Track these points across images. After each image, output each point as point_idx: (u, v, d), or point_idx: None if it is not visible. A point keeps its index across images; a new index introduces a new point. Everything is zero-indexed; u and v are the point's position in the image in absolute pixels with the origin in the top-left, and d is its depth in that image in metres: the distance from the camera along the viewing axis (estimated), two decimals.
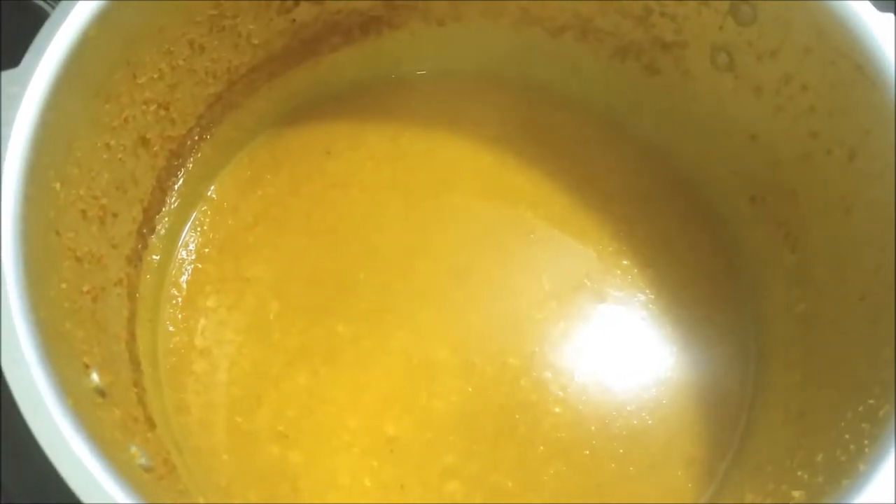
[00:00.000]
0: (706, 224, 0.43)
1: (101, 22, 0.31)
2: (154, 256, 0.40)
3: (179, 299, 0.41)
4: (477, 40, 0.45)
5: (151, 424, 0.34)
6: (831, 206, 0.35)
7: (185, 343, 0.40)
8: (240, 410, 0.39)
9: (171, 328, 0.40)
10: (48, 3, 0.42)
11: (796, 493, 0.30)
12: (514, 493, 0.38)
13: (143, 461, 0.29)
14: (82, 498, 0.23)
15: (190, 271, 0.42)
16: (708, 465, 0.38)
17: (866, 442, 0.28)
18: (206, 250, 0.42)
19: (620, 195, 0.44)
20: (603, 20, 0.42)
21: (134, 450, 0.29)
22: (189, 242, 0.42)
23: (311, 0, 0.40)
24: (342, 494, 0.37)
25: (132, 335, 0.36)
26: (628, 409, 0.39)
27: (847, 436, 0.29)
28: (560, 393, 0.39)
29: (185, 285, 0.42)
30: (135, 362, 0.35)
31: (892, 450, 0.27)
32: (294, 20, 0.41)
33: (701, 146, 0.43)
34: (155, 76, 0.35)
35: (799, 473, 0.31)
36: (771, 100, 0.38)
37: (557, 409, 0.39)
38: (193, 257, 0.42)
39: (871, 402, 0.29)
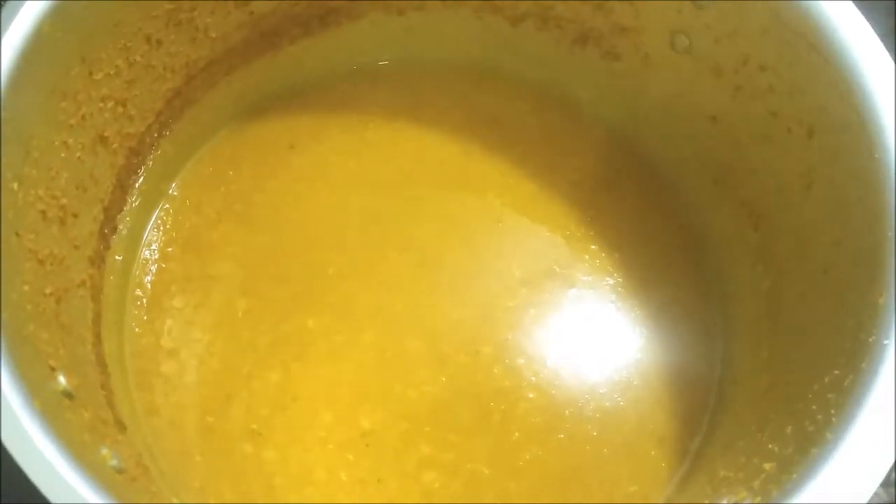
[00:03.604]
0: (671, 206, 0.44)
1: (54, 18, 0.30)
2: (117, 257, 0.39)
3: (144, 300, 0.40)
4: (438, 30, 0.45)
5: (121, 427, 0.34)
6: (792, 184, 0.36)
7: (152, 344, 0.39)
8: (211, 410, 0.38)
9: (137, 329, 0.40)
10: None
11: (767, 466, 0.30)
12: (491, 480, 0.38)
13: (114, 463, 0.28)
14: (52, 500, 0.22)
15: (154, 271, 0.41)
16: (680, 443, 0.39)
17: (833, 411, 0.29)
18: (170, 249, 0.42)
19: (586, 181, 0.44)
20: (562, 7, 0.42)
21: (105, 451, 0.28)
22: (152, 242, 0.42)
23: None
24: (318, 490, 0.37)
25: (98, 337, 0.35)
26: (601, 391, 0.40)
27: (814, 407, 0.30)
28: (533, 379, 0.40)
29: (149, 285, 0.41)
30: (101, 364, 0.35)
31: (858, 417, 0.27)
32: (252, 12, 0.40)
33: (663, 129, 0.44)
34: (112, 72, 0.35)
35: (770, 446, 0.31)
36: (730, 81, 0.38)
37: (531, 395, 0.39)
38: (157, 256, 0.41)
39: (837, 372, 0.30)
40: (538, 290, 0.42)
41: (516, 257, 0.43)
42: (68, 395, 0.29)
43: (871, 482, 0.26)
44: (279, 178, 0.43)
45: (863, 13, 0.33)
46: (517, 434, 0.39)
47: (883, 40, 0.32)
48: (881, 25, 0.34)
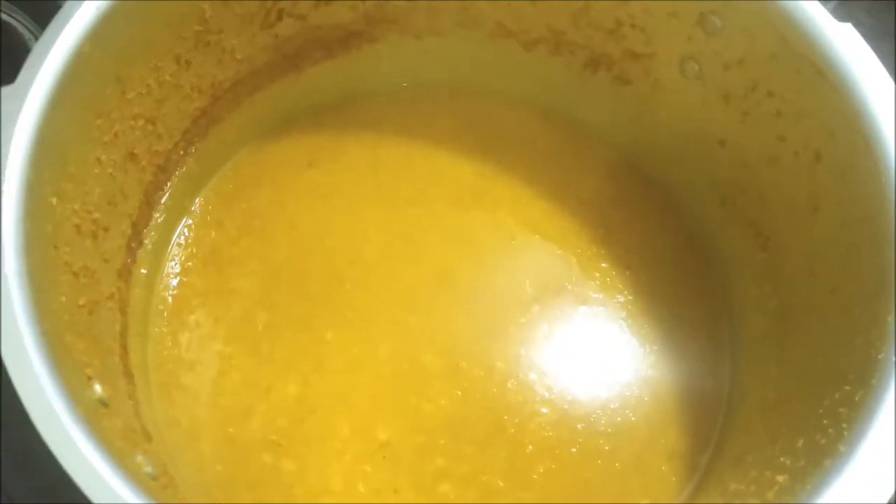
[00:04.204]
0: (680, 226, 0.45)
1: (93, 38, 0.31)
2: (142, 270, 0.40)
3: (167, 313, 0.41)
4: (453, 53, 0.46)
5: (148, 436, 0.34)
6: (799, 206, 0.37)
7: (174, 356, 0.40)
8: (231, 421, 0.39)
9: (159, 342, 0.40)
10: (13, 17, 0.43)
11: (780, 478, 0.31)
12: (505, 493, 0.38)
13: (149, 470, 0.29)
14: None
15: (176, 285, 0.42)
16: (691, 457, 0.40)
17: (844, 425, 0.29)
18: (191, 264, 0.43)
19: (596, 200, 0.46)
20: (575, 33, 0.44)
21: (140, 458, 0.29)
22: (175, 256, 0.42)
23: (293, 16, 0.41)
24: (336, 501, 0.38)
25: (125, 349, 0.36)
26: (612, 406, 0.41)
27: (825, 421, 0.31)
28: (546, 393, 0.40)
29: (171, 299, 0.42)
30: (128, 375, 0.36)
31: (870, 430, 0.28)
32: (277, 35, 0.41)
33: (672, 152, 0.45)
34: (143, 91, 0.36)
35: (781, 459, 0.32)
36: (739, 106, 0.39)
37: (544, 410, 0.40)
38: (178, 271, 0.42)
39: (847, 388, 0.31)
40: (550, 306, 0.43)
41: (528, 274, 0.44)
42: (104, 403, 0.30)
43: (886, 493, 0.26)
44: (298, 195, 0.44)
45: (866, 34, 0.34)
46: (531, 447, 0.39)
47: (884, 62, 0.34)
48: (882, 50, 0.35)
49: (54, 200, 0.30)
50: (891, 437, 0.28)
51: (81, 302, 0.32)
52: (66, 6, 0.31)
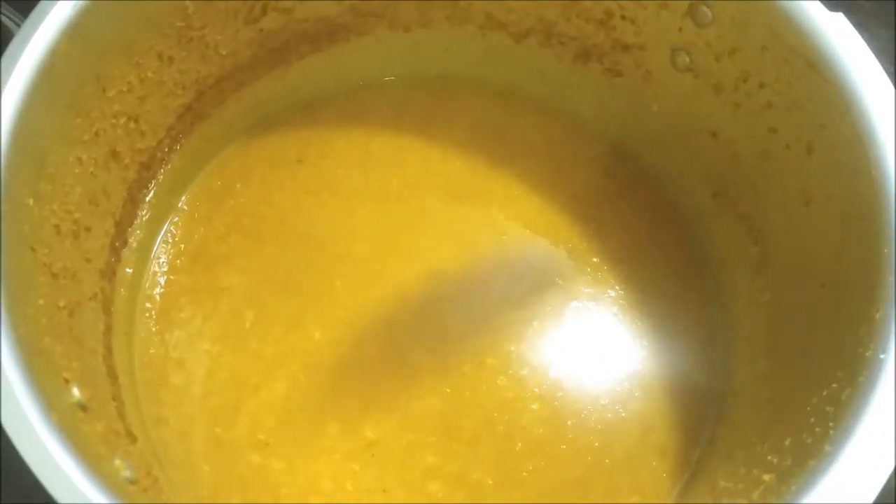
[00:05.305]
0: (671, 219, 0.45)
1: (70, 36, 0.31)
2: (127, 269, 0.39)
3: (153, 312, 0.41)
4: (443, 45, 0.45)
5: (132, 438, 0.34)
6: (791, 199, 0.37)
7: (161, 355, 0.40)
8: (219, 421, 0.39)
9: (146, 341, 0.40)
10: (12, 20, 0.42)
11: (767, 477, 0.31)
12: (494, 491, 0.38)
13: (127, 474, 0.29)
14: None
15: (163, 283, 0.42)
16: (681, 454, 0.39)
17: (831, 424, 0.29)
18: (179, 261, 0.42)
19: (588, 194, 0.45)
20: (565, 24, 0.43)
21: (118, 463, 0.29)
22: (161, 254, 0.42)
23: (277, 10, 0.41)
24: (324, 500, 0.38)
25: (108, 349, 0.36)
26: (603, 402, 0.40)
27: (812, 419, 0.30)
28: (536, 390, 0.40)
29: (158, 297, 0.41)
30: (112, 376, 0.35)
31: (856, 430, 0.28)
32: (261, 29, 0.41)
33: (663, 144, 0.44)
34: (124, 89, 0.35)
35: (769, 458, 0.32)
36: (730, 97, 0.39)
37: (534, 406, 0.40)
38: (166, 269, 0.42)
39: (835, 386, 0.30)
40: (541, 302, 0.42)
41: (519, 269, 0.43)
42: (82, 407, 0.29)
43: (869, 494, 0.26)
44: (287, 191, 0.44)
45: (861, 25, 0.33)
46: (520, 445, 0.39)
47: (881, 55, 0.33)
48: (881, 38, 0.34)
49: (31, 201, 0.30)
50: (876, 438, 0.27)
51: (61, 304, 0.32)
52: (42, 4, 0.30)
